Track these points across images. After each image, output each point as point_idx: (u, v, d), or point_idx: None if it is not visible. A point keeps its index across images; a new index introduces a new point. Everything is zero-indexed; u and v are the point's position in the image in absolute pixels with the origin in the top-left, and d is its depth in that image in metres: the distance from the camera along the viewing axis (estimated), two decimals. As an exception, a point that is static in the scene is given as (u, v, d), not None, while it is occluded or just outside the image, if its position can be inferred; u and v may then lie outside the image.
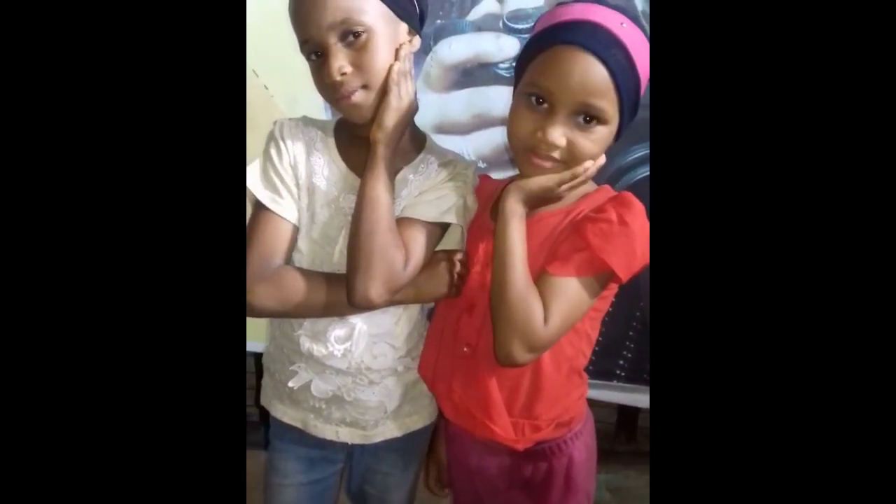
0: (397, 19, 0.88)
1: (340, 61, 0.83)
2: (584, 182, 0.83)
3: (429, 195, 0.91)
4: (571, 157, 0.81)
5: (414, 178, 0.93)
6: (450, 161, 0.96)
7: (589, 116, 0.80)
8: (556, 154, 0.81)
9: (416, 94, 0.91)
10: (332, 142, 0.95)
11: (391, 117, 0.86)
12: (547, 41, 0.81)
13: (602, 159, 0.83)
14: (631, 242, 0.80)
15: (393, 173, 0.89)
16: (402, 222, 0.89)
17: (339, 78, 0.83)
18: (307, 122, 0.96)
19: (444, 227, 0.93)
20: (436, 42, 1.37)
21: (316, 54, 0.85)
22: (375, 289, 0.83)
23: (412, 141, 0.95)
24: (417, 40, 0.91)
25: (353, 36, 0.83)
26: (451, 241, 0.95)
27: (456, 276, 0.92)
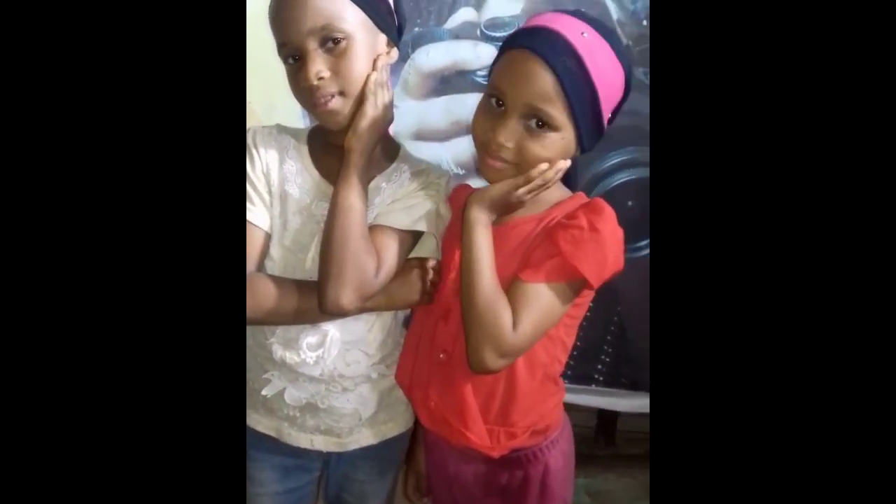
0: (377, 30, 0.88)
1: (318, 66, 0.83)
2: (544, 187, 0.84)
3: (401, 203, 0.92)
4: (522, 160, 0.82)
5: (387, 186, 0.94)
6: (423, 170, 0.96)
7: (540, 121, 0.81)
8: (504, 155, 0.82)
9: (392, 104, 0.92)
10: (305, 149, 0.95)
11: (366, 125, 0.86)
12: (507, 45, 0.84)
13: (564, 163, 0.83)
14: (601, 249, 0.81)
15: (366, 181, 0.89)
16: (374, 230, 0.89)
17: (315, 82, 0.83)
18: (280, 129, 0.96)
19: (416, 236, 0.93)
20: (414, 49, 1.38)
21: (294, 58, 0.85)
22: (347, 296, 0.84)
23: (385, 150, 0.96)
24: (395, 52, 0.92)
25: (332, 42, 0.84)
26: (425, 250, 0.95)
27: (429, 283, 0.93)
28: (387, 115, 0.90)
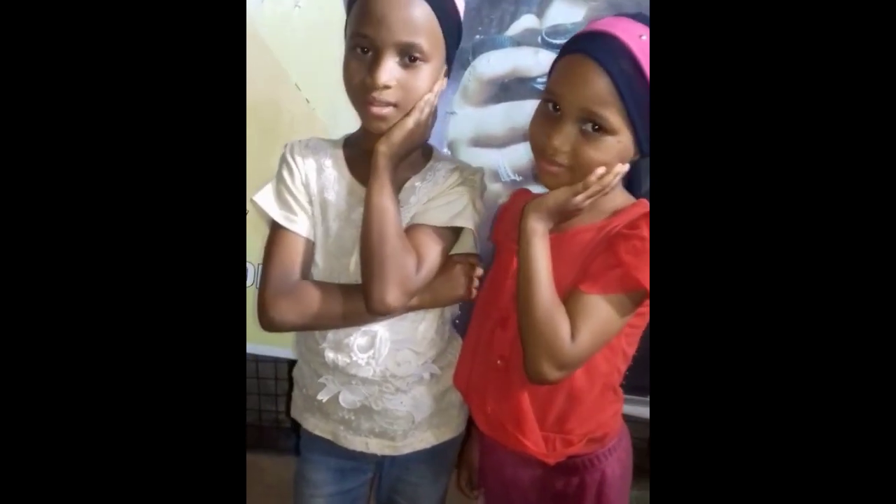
0: (444, 56, 0.90)
1: (391, 73, 0.85)
2: (603, 192, 0.83)
3: (437, 201, 0.93)
4: (577, 165, 0.81)
5: (422, 185, 0.95)
6: (457, 167, 0.97)
7: (596, 125, 0.80)
8: (560, 159, 0.82)
9: (431, 125, 0.94)
10: (341, 157, 0.97)
11: (401, 136, 0.88)
12: (565, 51, 0.84)
13: (622, 167, 0.82)
14: None
15: (397, 183, 0.91)
16: (412, 229, 0.91)
17: (380, 86, 0.85)
18: (316, 141, 0.99)
19: (456, 232, 0.94)
20: (475, 57, 1.38)
21: (364, 50, 0.86)
22: (391, 293, 0.85)
23: (420, 152, 0.97)
24: (445, 81, 0.93)
25: (410, 59, 0.86)
26: (464, 246, 0.97)
27: (472, 278, 0.94)
28: (424, 134, 0.92)
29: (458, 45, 0.94)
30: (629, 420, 1.01)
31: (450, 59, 0.93)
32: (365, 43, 0.85)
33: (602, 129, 0.80)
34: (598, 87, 0.78)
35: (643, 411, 1.60)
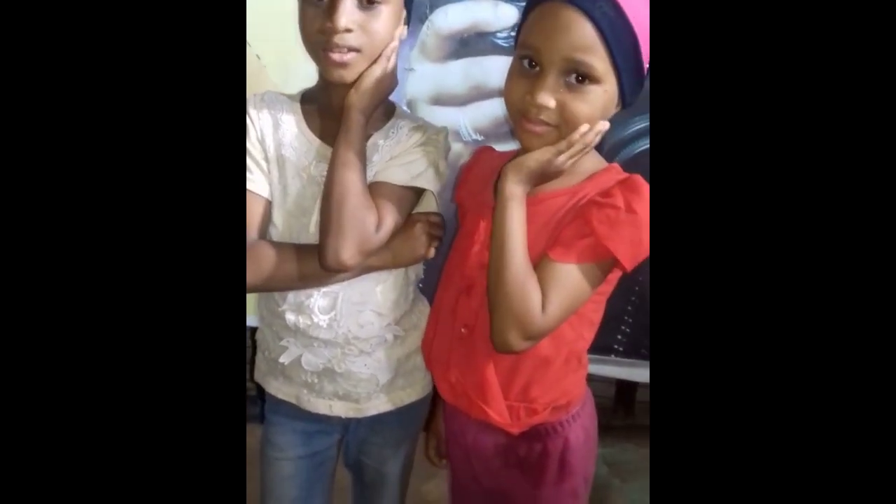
0: (403, 3, 0.89)
1: (350, 16, 0.82)
2: (584, 151, 0.80)
3: (400, 160, 0.91)
4: (564, 121, 0.78)
5: (384, 143, 0.93)
6: (420, 126, 0.95)
7: (580, 76, 0.76)
8: (545, 117, 0.78)
9: (396, 74, 0.92)
10: (299, 112, 0.94)
11: (372, 85, 0.86)
12: (535, 1, 0.80)
13: (603, 125, 0.79)
14: (638, 231, 0.77)
15: (365, 140, 0.89)
16: (374, 186, 0.89)
17: (340, 29, 0.82)
18: (272, 95, 0.96)
19: (417, 192, 0.93)
20: (432, 10, 1.35)
21: None
22: (347, 250, 0.83)
23: (382, 109, 0.95)
24: (406, 29, 0.91)
25: (369, 1, 0.83)
26: (425, 206, 0.95)
27: (432, 238, 0.93)
28: (392, 84, 0.91)
29: None
30: (593, 379, 1.02)
31: (408, 4, 0.91)
32: None
33: (588, 78, 0.76)
34: (581, 32, 0.75)
35: (606, 370, 1.63)
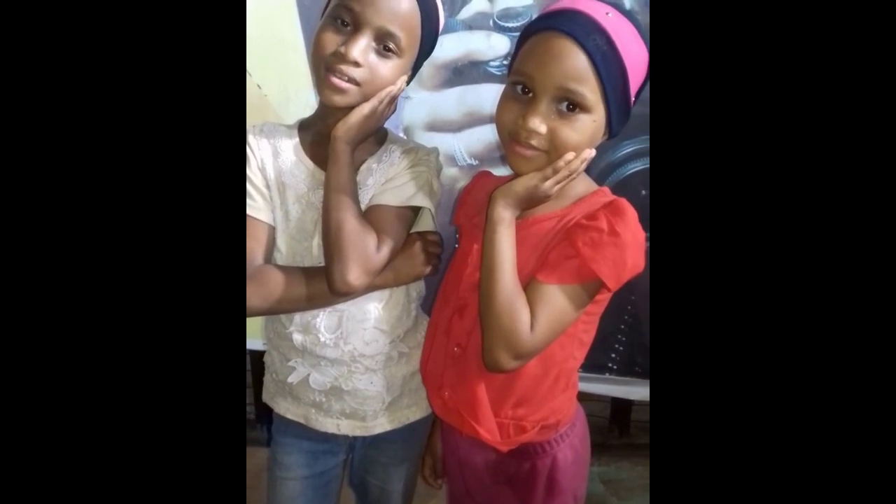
0: (414, 59, 0.93)
1: (364, 54, 0.86)
2: (571, 177, 0.82)
3: (394, 182, 0.94)
4: (553, 147, 0.80)
5: (378, 166, 0.96)
6: (411, 148, 0.99)
7: (571, 104, 0.79)
8: (535, 142, 0.80)
9: (391, 114, 0.95)
10: (297, 140, 0.97)
11: (358, 121, 0.89)
12: (530, 30, 0.83)
13: (589, 152, 0.81)
14: (621, 253, 0.79)
15: (354, 166, 0.92)
16: (371, 210, 0.92)
17: (350, 60, 0.85)
18: (271, 125, 0.99)
19: (415, 211, 0.96)
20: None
21: (344, 23, 0.87)
22: (353, 273, 0.86)
23: (374, 135, 0.98)
24: (406, 85, 0.95)
25: (385, 48, 0.88)
26: (423, 225, 0.98)
27: (431, 255, 0.97)
28: (378, 123, 0.94)
29: (427, 56, 0.96)
30: (587, 398, 1.02)
31: (416, 66, 0.95)
32: (348, 17, 0.86)
33: (579, 106, 0.79)
34: (575, 63, 0.77)
35: (600, 388, 1.64)
